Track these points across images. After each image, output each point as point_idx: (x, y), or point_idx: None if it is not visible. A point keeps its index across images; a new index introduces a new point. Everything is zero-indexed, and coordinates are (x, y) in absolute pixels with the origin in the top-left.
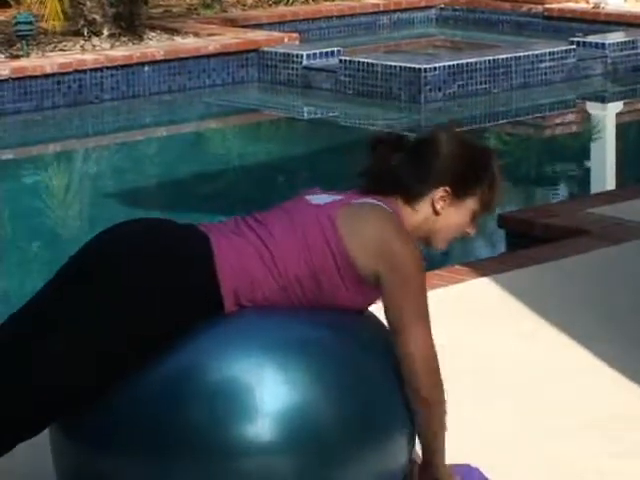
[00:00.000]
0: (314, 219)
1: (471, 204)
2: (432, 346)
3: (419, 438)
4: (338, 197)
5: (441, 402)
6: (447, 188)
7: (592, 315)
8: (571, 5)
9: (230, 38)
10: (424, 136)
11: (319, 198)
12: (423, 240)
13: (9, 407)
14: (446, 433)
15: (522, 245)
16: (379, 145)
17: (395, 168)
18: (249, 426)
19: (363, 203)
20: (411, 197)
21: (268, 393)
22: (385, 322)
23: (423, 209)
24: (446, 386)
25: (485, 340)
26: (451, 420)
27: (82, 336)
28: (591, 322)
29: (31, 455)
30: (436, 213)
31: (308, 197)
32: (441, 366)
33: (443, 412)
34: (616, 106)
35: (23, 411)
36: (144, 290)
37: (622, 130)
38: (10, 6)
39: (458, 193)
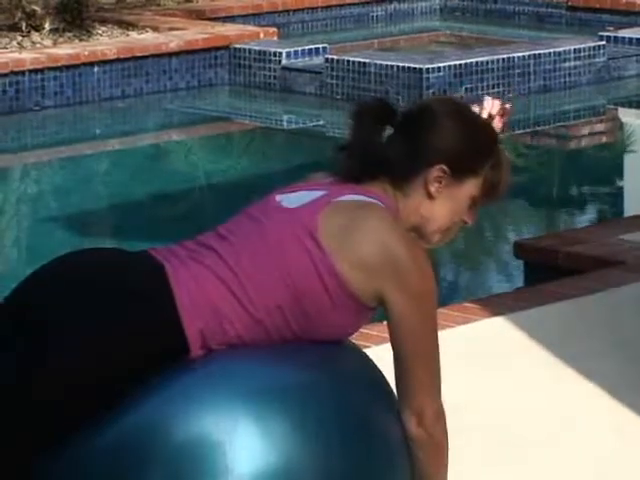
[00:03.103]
0: (291, 231)
1: (471, 187)
2: (439, 408)
3: None
4: (316, 194)
5: (445, 448)
6: (443, 166)
7: (623, 362)
8: None
9: (195, 33)
10: (418, 106)
11: (293, 198)
12: (414, 231)
13: None
14: None
15: (543, 278)
16: (364, 116)
17: (384, 144)
18: None
19: (348, 201)
20: (401, 179)
21: (242, 450)
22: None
23: (415, 193)
24: (451, 448)
25: (498, 392)
26: None
27: (37, 382)
28: (623, 370)
29: None
30: (430, 197)
31: (278, 197)
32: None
33: (445, 459)
34: None
35: None
36: (98, 331)
37: None
38: None
39: (456, 173)
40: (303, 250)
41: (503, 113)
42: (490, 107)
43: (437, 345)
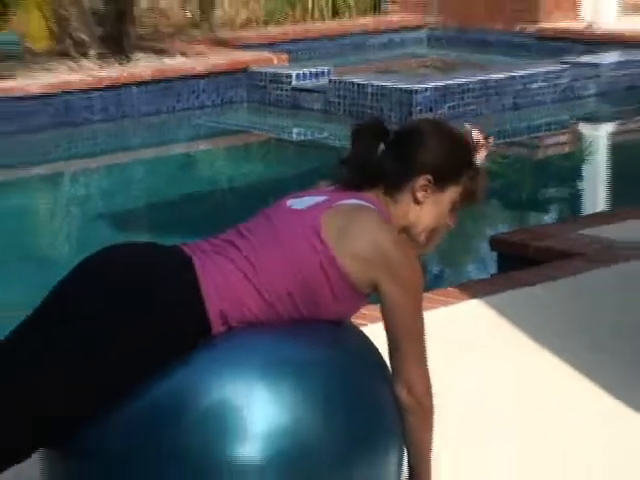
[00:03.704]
0: (298, 228)
1: (452, 194)
2: (427, 380)
3: (406, 446)
4: (319, 199)
5: (432, 414)
6: (429, 177)
7: (585, 340)
8: (564, 25)
9: (219, 58)
10: (408, 126)
11: (300, 202)
12: (404, 232)
13: (9, 427)
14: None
15: (514, 267)
16: (362, 134)
17: (379, 158)
18: (239, 447)
19: (347, 205)
20: (393, 187)
21: (258, 414)
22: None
23: (404, 199)
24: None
25: (474, 370)
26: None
27: (76, 365)
28: (585, 348)
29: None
30: (417, 202)
31: (289, 202)
32: None
33: (432, 423)
34: (609, 127)
35: (18, 439)
36: (135, 312)
37: (615, 151)
38: None
39: (439, 182)
40: (309, 246)
41: (486, 144)
42: (476, 137)
43: (423, 327)
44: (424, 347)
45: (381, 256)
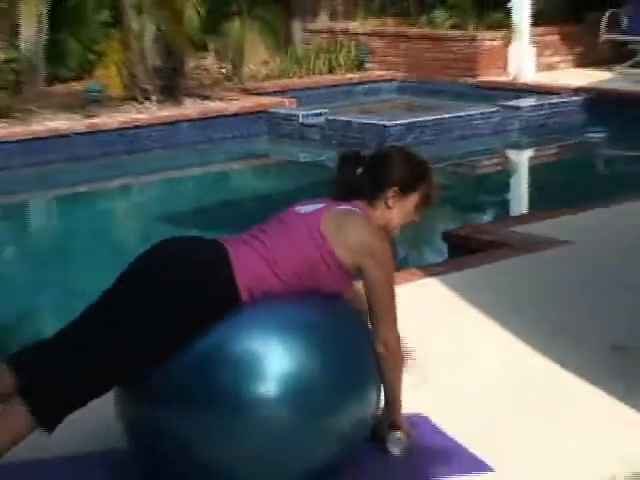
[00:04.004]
0: (304, 227)
1: (414, 199)
2: (397, 336)
3: (383, 384)
4: (319, 205)
5: (401, 361)
6: (396, 189)
7: (509, 302)
8: (496, 78)
9: (246, 102)
10: (377, 153)
11: (305, 208)
12: (382, 229)
13: (88, 373)
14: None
15: (460, 254)
16: (345, 161)
17: (358, 178)
18: (260, 386)
19: (340, 209)
20: (371, 198)
21: (274, 362)
22: (359, 303)
23: (380, 206)
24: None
25: (429, 321)
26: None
27: (146, 322)
28: (507, 307)
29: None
30: (388, 207)
31: (297, 208)
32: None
33: (401, 368)
34: (528, 152)
35: (101, 374)
36: (183, 288)
37: (533, 170)
38: (84, 79)
39: (404, 191)
40: (312, 240)
41: None
42: None
43: (394, 299)
44: (395, 313)
45: (366, 247)
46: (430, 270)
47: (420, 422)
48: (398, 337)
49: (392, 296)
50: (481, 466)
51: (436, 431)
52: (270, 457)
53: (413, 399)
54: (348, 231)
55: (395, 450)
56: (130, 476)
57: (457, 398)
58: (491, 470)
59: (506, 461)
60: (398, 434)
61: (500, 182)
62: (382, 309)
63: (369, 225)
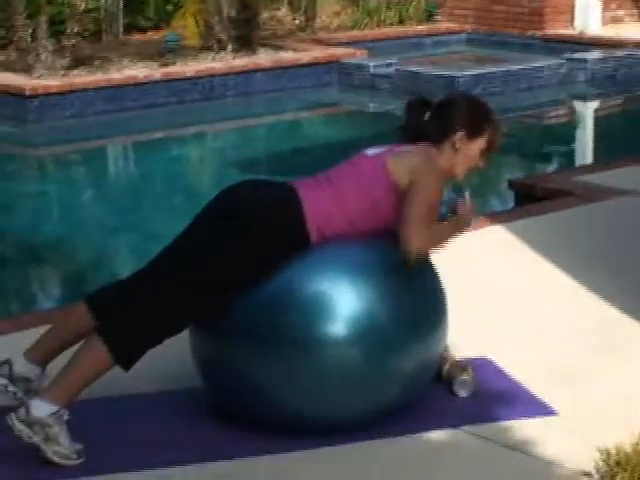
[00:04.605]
0: (370, 166)
1: (480, 144)
2: (421, 242)
3: None
4: (386, 148)
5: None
6: (463, 132)
7: (574, 251)
8: (562, 31)
9: (318, 53)
10: (444, 98)
11: (374, 151)
12: (448, 173)
13: (163, 312)
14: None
15: (526, 202)
16: (412, 107)
17: (426, 122)
18: (330, 325)
19: (406, 148)
20: (438, 141)
21: (343, 301)
22: None
23: (446, 149)
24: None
25: (497, 268)
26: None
27: (219, 260)
28: (573, 256)
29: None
30: (456, 150)
31: (367, 151)
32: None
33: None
34: (594, 103)
35: (175, 313)
36: (257, 226)
37: (598, 121)
38: (161, 28)
39: (470, 136)
40: (377, 176)
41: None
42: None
43: (428, 212)
44: (424, 224)
45: (420, 167)
46: (496, 217)
47: (485, 365)
48: (421, 243)
49: (426, 208)
50: (545, 409)
51: (501, 374)
52: (337, 397)
53: (478, 343)
54: (409, 160)
55: (462, 392)
56: (202, 415)
57: (522, 342)
58: (555, 413)
59: (570, 405)
60: (465, 376)
61: (565, 132)
62: (413, 212)
63: (425, 158)
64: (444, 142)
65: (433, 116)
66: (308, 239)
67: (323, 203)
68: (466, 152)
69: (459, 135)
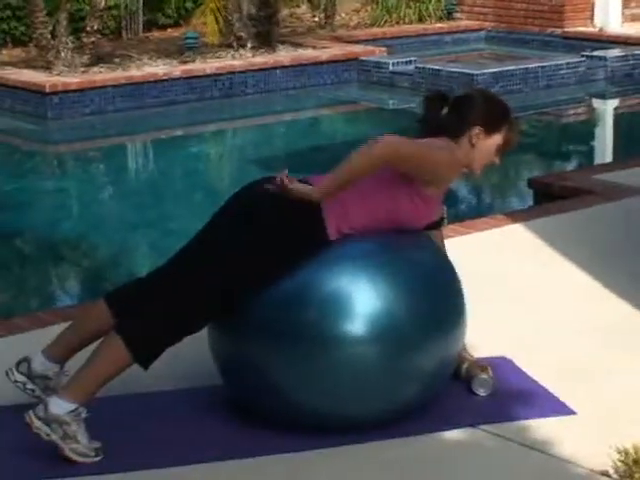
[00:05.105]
0: None
1: (497, 140)
2: (383, 148)
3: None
4: None
5: (370, 155)
6: (480, 127)
7: (593, 250)
8: (582, 29)
9: (337, 50)
10: (462, 94)
11: None
12: (465, 167)
13: (181, 310)
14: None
15: (545, 201)
16: (431, 101)
17: (444, 117)
18: (348, 323)
19: (423, 141)
20: (455, 136)
21: (362, 299)
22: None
23: (464, 144)
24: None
25: (516, 267)
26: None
27: (237, 258)
28: (592, 255)
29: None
30: (472, 146)
31: None
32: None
33: (366, 159)
34: (613, 102)
35: (194, 311)
36: (276, 223)
37: (617, 119)
38: (181, 26)
39: (487, 131)
40: (396, 171)
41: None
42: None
43: (415, 153)
44: (402, 150)
45: (435, 143)
46: (515, 216)
47: (503, 364)
48: (386, 147)
49: (417, 154)
50: (563, 408)
51: (519, 373)
52: (355, 395)
53: (495, 341)
54: (426, 143)
55: (481, 391)
56: (219, 414)
57: (539, 341)
58: (573, 413)
59: (588, 404)
60: (485, 375)
61: (584, 131)
62: (403, 141)
63: (449, 148)
64: (461, 137)
65: (451, 111)
66: (326, 236)
67: (341, 199)
68: (482, 148)
69: (476, 130)
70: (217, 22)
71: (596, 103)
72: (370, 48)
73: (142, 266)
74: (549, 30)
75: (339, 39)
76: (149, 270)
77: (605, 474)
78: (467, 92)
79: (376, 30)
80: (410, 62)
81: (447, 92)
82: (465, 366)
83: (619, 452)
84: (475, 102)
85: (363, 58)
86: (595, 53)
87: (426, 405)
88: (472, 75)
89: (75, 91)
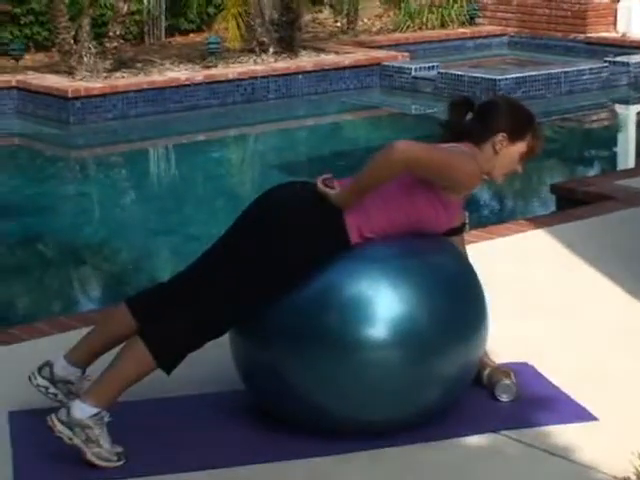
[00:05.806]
0: None
1: (520, 147)
2: (406, 152)
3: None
4: None
5: (393, 158)
6: (504, 134)
7: (615, 255)
8: (605, 34)
9: (360, 55)
10: (487, 100)
11: None
12: (487, 174)
13: (203, 316)
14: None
15: (567, 206)
16: (455, 106)
17: (468, 122)
18: (369, 328)
19: (446, 146)
20: (479, 142)
21: (383, 304)
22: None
23: (487, 150)
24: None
25: (538, 272)
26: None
27: (259, 263)
28: (614, 260)
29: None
30: (496, 152)
31: None
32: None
33: (391, 162)
34: (636, 107)
35: (217, 316)
36: (298, 227)
37: None
38: (204, 31)
39: (511, 138)
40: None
41: None
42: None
43: (438, 161)
44: (424, 155)
45: (458, 149)
46: (538, 221)
47: (525, 370)
48: (406, 152)
49: (436, 157)
50: (585, 414)
51: (541, 379)
52: (376, 400)
53: (518, 348)
54: (448, 148)
55: (504, 397)
56: (239, 418)
57: (561, 346)
58: (595, 419)
59: (611, 411)
60: (508, 381)
61: (607, 136)
62: (423, 147)
63: (472, 153)
64: (484, 143)
65: (475, 117)
66: (348, 239)
67: (362, 203)
68: (506, 155)
69: (500, 137)
70: (239, 27)
71: (619, 109)
72: (392, 53)
73: (163, 271)
74: (572, 35)
75: (361, 44)
76: (170, 275)
77: None
78: (492, 99)
79: (398, 35)
80: (432, 67)
81: (472, 98)
82: (487, 372)
83: None
84: (500, 109)
85: (385, 63)
86: (618, 59)
87: (447, 410)
88: (494, 80)
89: (97, 96)
